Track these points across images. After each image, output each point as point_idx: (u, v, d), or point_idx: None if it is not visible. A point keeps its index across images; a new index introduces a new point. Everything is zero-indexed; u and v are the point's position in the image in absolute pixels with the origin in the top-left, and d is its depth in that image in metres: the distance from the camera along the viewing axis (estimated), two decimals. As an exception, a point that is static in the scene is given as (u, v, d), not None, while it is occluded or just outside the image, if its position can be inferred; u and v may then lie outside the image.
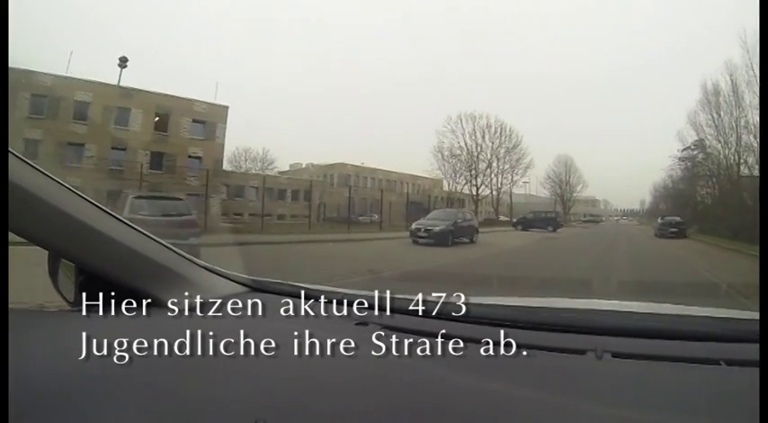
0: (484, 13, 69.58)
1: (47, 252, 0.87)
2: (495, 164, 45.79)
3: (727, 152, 23.87)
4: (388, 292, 1.08)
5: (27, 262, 0.92)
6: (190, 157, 24.33)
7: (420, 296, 1.05)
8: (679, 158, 29.76)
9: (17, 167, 0.66)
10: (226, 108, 26.47)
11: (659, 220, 23.79)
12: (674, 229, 21.42)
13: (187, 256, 0.99)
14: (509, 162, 46.61)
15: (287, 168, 45.82)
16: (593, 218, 68.13)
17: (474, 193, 44.82)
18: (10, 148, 0.64)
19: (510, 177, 47.08)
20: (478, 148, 44.94)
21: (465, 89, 49.75)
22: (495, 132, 46.01)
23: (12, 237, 0.67)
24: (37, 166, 0.70)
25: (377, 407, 0.56)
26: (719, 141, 24.37)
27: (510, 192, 47.33)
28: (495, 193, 45.62)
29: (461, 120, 44.59)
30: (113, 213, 0.83)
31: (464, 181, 43.69)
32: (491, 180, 45.33)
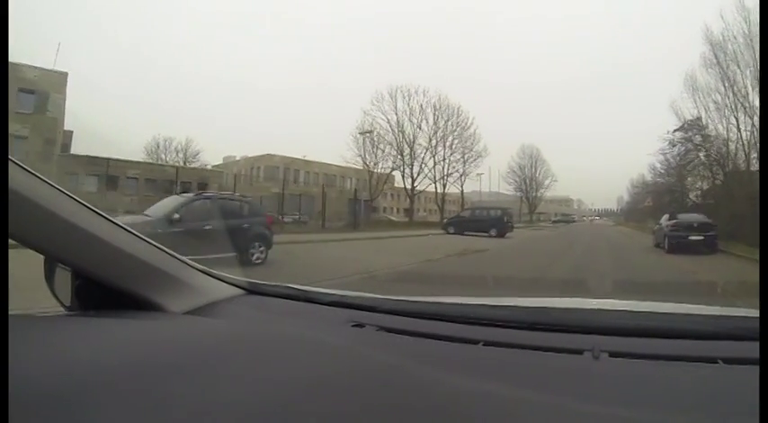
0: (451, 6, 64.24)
1: (43, 256, 0.88)
2: (439, 149, 38.04)
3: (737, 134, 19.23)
4: (383, 293, 1.19)
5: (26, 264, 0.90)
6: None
7: (415, 298, 1.13)
8: (669, 142, 21.93)
9: (12, 171, 0.69)
10: (64, 75, 22.42)
11: (666, 222, 14.40)
12: (698, 238, 12.63)
13: (183, 259, 1.03)
14: (459, 148, 36.69)
15: (220, 161, 42.52)
16: (565, 217, 59.95)
17: (408, 185, 35.27)
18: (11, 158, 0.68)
19: (461, 168, 37.15)
20: (415, 129, 37.27)
21: (430, 83, 49.00)
22: (437, 109, 35.51)
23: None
24: (30, 170, 0.73)
25: (374, 409, 0.59)
26: (724, 117, 19.99)
27: (461, 185, 36.94)
28: (439, 186, 37.92)
29: (393, 96, 34.41)
30: (108, 217, 0.86)
31: (391, 167, 36.65)
32: (433, 169, 37.68)
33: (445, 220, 26.49)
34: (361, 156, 34.54)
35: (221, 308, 1.04)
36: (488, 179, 64.38)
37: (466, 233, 20.20)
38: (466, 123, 37.12)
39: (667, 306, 1.14)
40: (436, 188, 37.56)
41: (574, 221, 61.13)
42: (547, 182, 52.59)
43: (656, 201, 34.10)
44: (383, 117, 35.09)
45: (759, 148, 17.14)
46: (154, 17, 54.89)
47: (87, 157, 23.73)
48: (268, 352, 0.73)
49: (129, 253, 0.88)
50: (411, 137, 36.04)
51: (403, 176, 36.30)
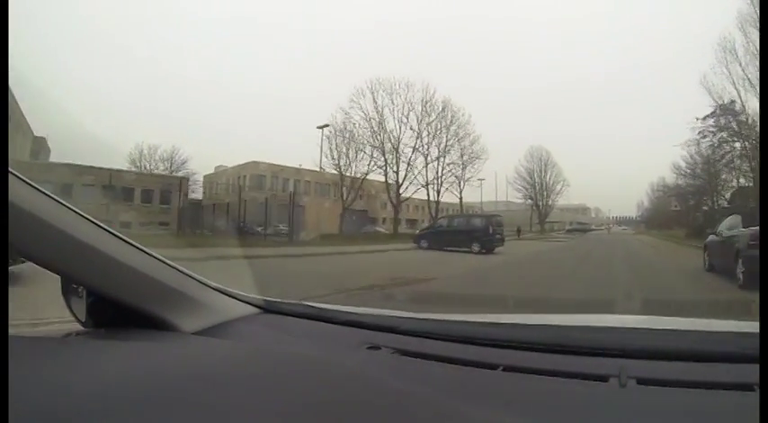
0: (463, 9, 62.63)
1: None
2: (431, 149, 34.29)
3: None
4: (400, 312, 1.22)
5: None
6: None
7: (434, 316, 1.15)
8: (699, 132, 18.04)
9: (21, 190, 0.73)
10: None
11: (739, 230, 7.99)
12: None
13: (198, 277, 1.07)
14: (454, 147, 33.78)
15: (211, 171, 40.55)
16: (581, 226, 54.74)
17: (393, 192, 31.07)
18: (13, 171, 0.71)
19: (458, 171, 32.92)
20: (399, 125, 33.42)
21: (442, 86, 44.11)
22: (425, 104, 31.28)
23: None
24: (42, 189, 0.76)
25: None
26: None
27: (460, 192, 32.62)
28: (432, 192, 34.82)
29: (373, 90, 30.49)
30: (122, 236, 0.89)
31: (368, 168, 32.21)
32: (424, 171, 33.84)
33: (417, 232, 22.39)
34: (331, 158, 31.21)
35: (235, 327, 1.06)
36: (494, 186, 60.75)
37: (444, 248, 16.98)
38: (461, 120, 34.00)
39: (700, 323, 1.11)
40: (428, 194, 34.27)
41: (591, 230, 56.92)
42: (558, 187, 48.21)
43: (683, 204, 29.81)
44: (362, 113, 31.85)
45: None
46: (141, 19, 53.96)
47: (45, 164, 22.96)
48: (278, 375, 0.73)
49: (141, 271, 0.91)
50: (396, 135, 32.62)
51: (386, 181, 32.80)
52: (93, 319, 0.92)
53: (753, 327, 0.95)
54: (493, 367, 0.84)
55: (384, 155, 31.61)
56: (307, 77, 62.12)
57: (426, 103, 32.60)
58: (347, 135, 31.02)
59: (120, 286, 0.87)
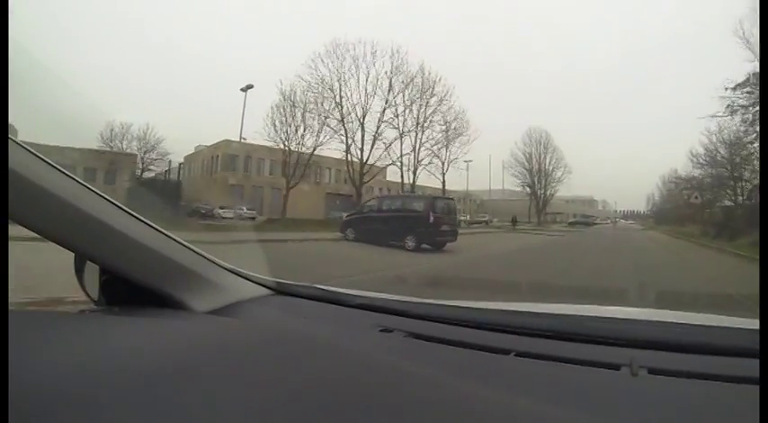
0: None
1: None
2: (403, 121, 28.87)
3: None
4: (414, 296, 1.20)
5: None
6: None
7: (446, 302, 1.17)
8: (727, 106, 14.57)
9: (38, 169, 0.74)
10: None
11: None
12: None
13: (210, 257, 1.09)
14: (437, 124, 29.85)
15: (192, 152, 37.50)
16: (584, 219, 50.97)
17: (356, 172, 27.13)
18: (26, 146, 0.73)
19: (444, 152, 29.05)
20: (367, 95, 27.93)
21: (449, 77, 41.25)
22: (395, 69, 26.74)
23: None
24: (58, 166, 0.78)
25: (397, 420, 0.58)
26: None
27: (443, 176, 29.00)
28: (410, 172, 29.73)
29: (333, 53, 26.14)
30: (137, 215, 0.92)
31: (316, 141, 26.75)
32: (401, 148, 28.62)
33: (344, 217, 16.64)
34: (274, 130, 25.81)
35: (246, 308, 1.08)
36: (488, 172, 56.78)
37: (374, 241, 12.46)
38: (440, 90, 28.76)
39: (713, 318, 1.12)
40: (402, 175, 29.39)
41: (595, 224, 54.48)
42: (559, 173, 43.18)
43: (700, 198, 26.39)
44: (319, 80, 26.41)
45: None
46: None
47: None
48: (289, 355, 0.73)
49: (155, 250, 0.93)
50: (362, 105, 27.17)
51: (347, 157, 27.46)
52: (106, 297, 0.94)
53: (757, 324, 1.00)
54: (505, 352, 0.86)
55: (344, 126, 26.34)
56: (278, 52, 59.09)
57: (397, 68, 27.29)
58: (303, 105, 25.60)
59: (134, 265, 0.89)
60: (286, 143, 25.82)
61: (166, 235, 0.95)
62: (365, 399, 0.60)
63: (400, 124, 27.80)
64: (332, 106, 26.24)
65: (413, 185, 29.23)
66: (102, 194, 0.84)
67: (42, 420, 0.47)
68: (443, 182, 30.86)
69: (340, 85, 26.48)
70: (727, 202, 22.17)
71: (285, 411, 0.55)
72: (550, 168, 41.58)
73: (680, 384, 0.73)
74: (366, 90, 27.03)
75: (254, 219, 22.58)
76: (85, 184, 0.82)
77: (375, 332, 0.98)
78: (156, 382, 0.56)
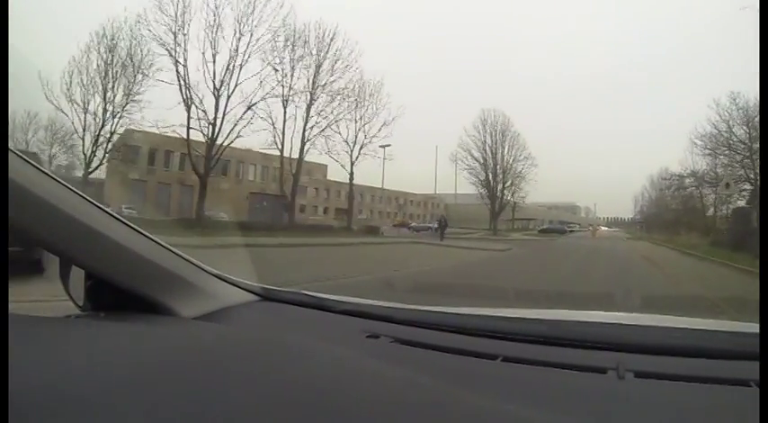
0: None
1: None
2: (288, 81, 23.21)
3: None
4: (400, 302, 1.22)
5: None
6: None
7: (432, 308, 1.16)
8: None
9: (23, 169, 0.75)
10: None
11: None
12: None
13: (197, 263, 1.09)
14: (338, 85, 23.96)
15: None
16: (557, 226, 44.47)
17: (200, 154, 21.08)
18: (14, 150, 0.73)
19: (360, 136, 25.05)
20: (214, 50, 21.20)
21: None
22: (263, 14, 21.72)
23: None
24: (46, 171, 0.79)
25: None
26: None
27: (351, 164, 25.56)
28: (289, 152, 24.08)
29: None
30: (122, 218, 0.92)
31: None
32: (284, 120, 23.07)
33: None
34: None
35: (233, 313, 1.09)
36: (433, 169, 50.38)
37: None
38: (344, 51, 23.20)
39: (698, 322, 1.14)
40: (282, 155, 23.50)
41: (571, 231, 45.62)
42: (520, 167, 33.45)
43: (699, 200, 20.97)
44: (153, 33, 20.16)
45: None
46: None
47: None
48: (276, 361, 0.74)
49: (141, 255, 0.93)
50: (211, 67, 20.82)
51: (188, 137, 20.77)
52: (92, 302, 0.94)
53: (749, 327, 0.98)
54: (492, 358, 0.87)
55: (182, 93, 19.77)
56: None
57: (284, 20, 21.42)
58: (131, 62, 19.88)
59: (120, 269, 0.90)
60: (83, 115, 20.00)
61: (152, 240, 0.95)
62: (352, 405, 0.60)
63: (284, 91, 22.14)
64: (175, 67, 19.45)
65: (299, 163, 22.89)
66: (88, 197, 0.84)
67: None
68: (351, 174, 24.41)
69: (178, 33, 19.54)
70: (740, 202, 17.19)
71: (271, 418, 0.55)
72: (510, 160, 32.70)
73: (666, 387, 0.74)
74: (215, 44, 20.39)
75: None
76: (70, 186, 0.81)
77: (362, 338, 1.00)
78: (142, 388, 0.56)
